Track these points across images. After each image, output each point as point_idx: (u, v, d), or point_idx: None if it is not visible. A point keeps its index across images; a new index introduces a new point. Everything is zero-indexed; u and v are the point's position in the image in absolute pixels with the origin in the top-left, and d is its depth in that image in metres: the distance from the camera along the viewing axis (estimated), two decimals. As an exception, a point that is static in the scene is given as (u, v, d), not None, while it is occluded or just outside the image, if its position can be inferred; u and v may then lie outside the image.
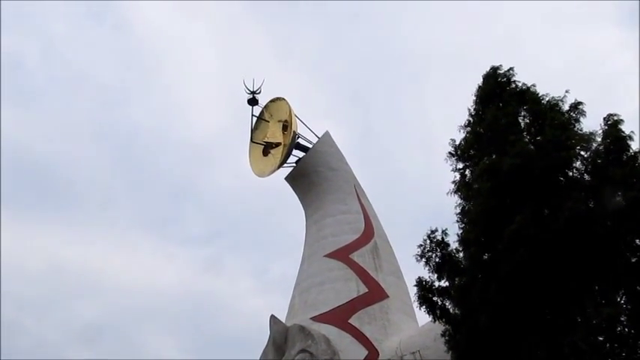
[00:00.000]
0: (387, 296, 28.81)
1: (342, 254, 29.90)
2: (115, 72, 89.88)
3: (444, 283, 23.67)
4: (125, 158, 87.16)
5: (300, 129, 33.67)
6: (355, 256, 29.78)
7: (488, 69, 21.58)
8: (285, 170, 33.65)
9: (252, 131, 34.31)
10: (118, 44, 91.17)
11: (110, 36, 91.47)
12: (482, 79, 21.76)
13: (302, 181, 32.97)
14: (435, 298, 22.03)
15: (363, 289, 28.76)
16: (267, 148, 33.41)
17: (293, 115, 32.87)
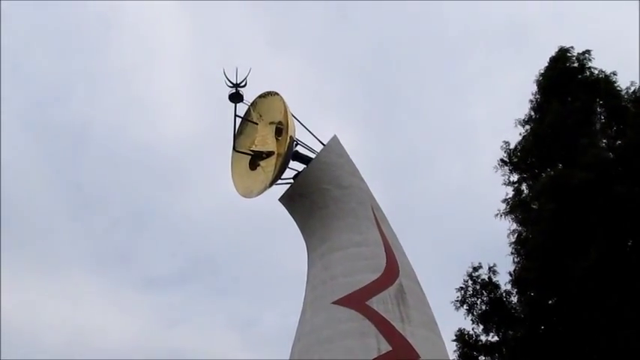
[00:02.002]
0: (418, 356, 29.03)
1: (357, 300, 30.13)
2: (51, 56, 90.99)
3: (492, 338, 23.77)
4: (65, 171, 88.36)
5: (300, 133, 34.09)
6: (374, 303, 30.03)
7: (555, 50, 21.76)
8: (280, 188, 34.08)
9: (236, 137, 34.85)
10: (55, 19, 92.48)
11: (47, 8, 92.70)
12: (547, 63, 22.06)
13: (302, 202, 33.43)
14: (481, 358, 22.39)
15: (386, 347, 28.93)
16: (256, 158, 33.82)
17: (289, 116, 33.38)
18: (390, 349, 28.85)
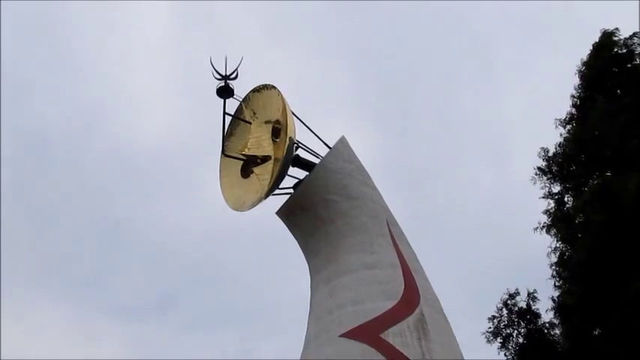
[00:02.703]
0: None
1: (370, 333, 29.39)
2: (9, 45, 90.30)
3: None
4: (23, 180, 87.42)
5: (301, 134, 33.56)
6: (390, 336, 29.29)
7: (599, 36, 21.23)
8: (278, 200, 33.54)
9: (225, 139, 34.36)
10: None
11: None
12: (590, 51, 21.47)
13: (304, 216, 32.85)
14: None
15: None
16: (249, 164, 33.40)
17: (289, 113, 32.79)
18: None
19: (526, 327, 43.95)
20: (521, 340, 43.56)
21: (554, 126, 45.68)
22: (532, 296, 44.68)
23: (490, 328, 44.28)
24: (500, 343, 43.74)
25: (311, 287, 32.75)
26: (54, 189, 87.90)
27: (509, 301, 45.17)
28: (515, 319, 44.24)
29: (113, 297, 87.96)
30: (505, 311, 44.87)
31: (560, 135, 45.70)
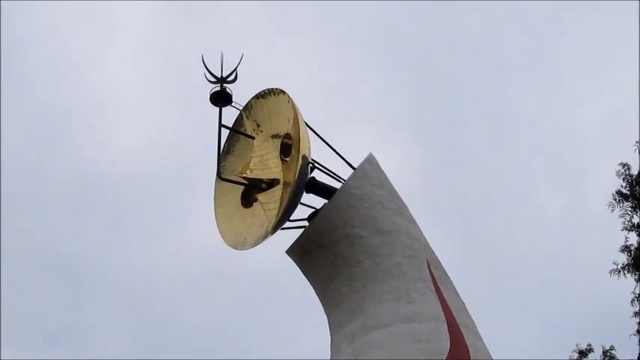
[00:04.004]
0: None
1: None
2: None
3: None
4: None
5: (318, 151, 33.44)
6: None
7: None
8: (289, 235, 33.32)
9: (221, 157, 34.34)
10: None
11: None
12: None
13: (321, 256, 32.52)
14: None
15: None
16: (252, 190, 33.27)
17: (302, 125, 32.56)
18: None
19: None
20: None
21: (636, 150, 45.43)
22: (609, 355, 44.62)
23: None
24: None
25: (331, 347, 32.25)
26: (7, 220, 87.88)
27: (580, 360, 45.12)
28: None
29: (83, 354, 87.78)
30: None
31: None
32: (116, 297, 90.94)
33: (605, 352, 44.72)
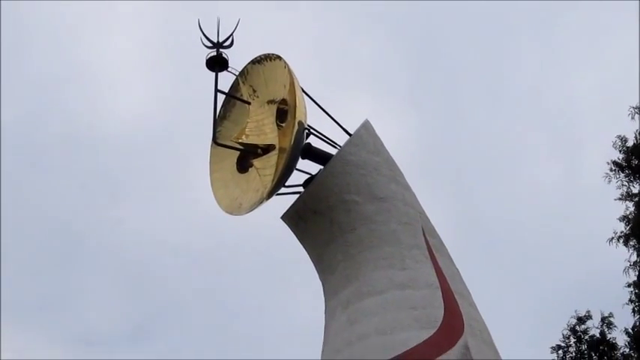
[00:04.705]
0: None
1: None
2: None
3: None
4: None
5: (314, 117, 33.47)
6: None
7: None
8: (284, 200, 33.39)
9: (217, 123, 34.27)
10: None
11: None
12: None
13: (317, 223, 32.58)
14: None
15: None
16: (248, 156, 33.32)
17: (298, 91, 32.54)
18: None
19: (599, 359, 43.92)
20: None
21: (630, 116, 45.48)
22: (607, 321, 44.71)
23: (555, 359, 44.34)
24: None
25: (326, 312, 32.36)
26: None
27: (578, 327, 45.16)
28: (585, 351, 44.22)
29: (73, 325, 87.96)
30: (573, 339, 44.94)
31: (640, 121, 45.40)
32: (110, 263, 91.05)
33: (603, 319, 44.79)
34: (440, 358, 29.00)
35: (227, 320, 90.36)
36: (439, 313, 30.05)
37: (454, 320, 30.21)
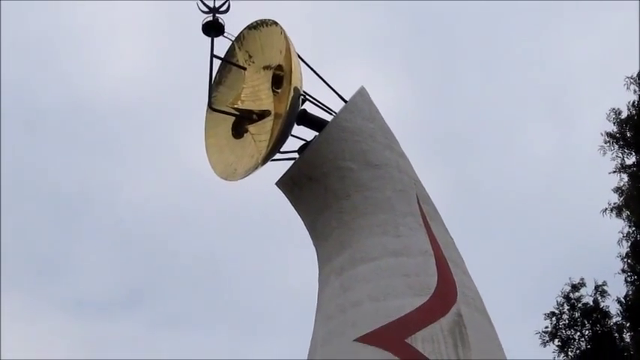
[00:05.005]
0: None
1: (393, 337, 29.06)
2: None
3: None
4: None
5: (310, 84, 33.37)
6: (419, 342, 28.84)
7: None
8: (279, 166, 33.51)
9: (213, 88, 34.29)
10: None
11: None
12: None
13: (311, 189, 32.67)
14: None
15: None
16: (243, 121, 33.25)
17: (294, 57, 32.48)
18: None
19: (591, 329, 43.99)
20: (584, 344, 43.62)
21: (625, 86, 45.39)
22: (601, 289, 44.81)
23: (547, 327, 44.41)
24: (558, 346, 43.92)
25: (319, 279, 32.46)
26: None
27: (571, 295, 45.28)
28: (578, 319, 44.33)
29: (70, 289, 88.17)
30: (567, 307, 45.05)
31: (635, 92, 45.33)
32: (106, 227, 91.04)
33: (597, 287, 44.85)
34: (433, 325, 29.07)
35: (223, 285, 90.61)
36: (432, 280, 30.20)
37: (447, 288, 30.33)
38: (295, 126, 32.75)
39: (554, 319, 45.03)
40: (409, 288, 29.86)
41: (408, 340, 28.63)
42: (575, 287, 45.46)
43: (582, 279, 45.44)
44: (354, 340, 29.08)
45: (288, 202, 33.63)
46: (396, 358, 28.46)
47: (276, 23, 33.46)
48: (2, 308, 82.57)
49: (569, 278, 45.42)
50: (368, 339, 29.00)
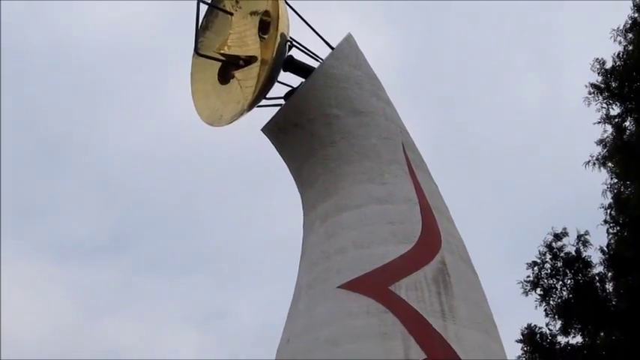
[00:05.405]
0: None
1: (376, 284, 29.19)
2: None
3: (575, 340, 24.43)
4: None
5: (296, 30, 33.24)
6: (402, 289, 28.91)
7: None
8: (265, 112, 33.45)
9: (199, 33, 34.07)
10: None
11: None
12: None
13: (297, 135, 32.64)
14: None
15: (417, 355, 27.76)
16: (229, 67, 33.04)
17: (281, 3, 32.32)
18: (425, 357, 27.67)
19: (573, 278, 44.19)
20: (566, 294, 43.81)
21: (612, 39, 45.29)
22: (583, 239, 44.98)
23: (529, 276, 44.59)
24: (540, 295, 44.08)
25: (304, 225, 32.55)
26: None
27: (554, 244, 45.45)
28: (560, 268, 44.52)
29: (53, 234, 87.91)
30: (549, 256, 45.21)
31: (620, 43, 45.22)
32: (90, 172, 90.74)
33: (579, 237, 45.01)
34: (416, 272, 29.19)
35: (206, 231, 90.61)
36: (417, 228, 30.24)
37: (431, 236, 30.39)
38: (282, 72, 32.56)
39: (535, 268, 45.19)
40: (393, 235, 29.93)
41: (392, 288, 28.70)
42: (558, 237, 45.62)
43: (565, 228, 45.61)
44: (338, 287, 29.17)
45: (274, 148, 33.66)
46: (380, 305, 28.48)
47: None
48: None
49: (552, 228, 45.59)
50: (352, 286, 29.07)
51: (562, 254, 44.98)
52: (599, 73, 44.62)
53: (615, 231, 42.70)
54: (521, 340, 42.93)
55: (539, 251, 45.39)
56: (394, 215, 30.45)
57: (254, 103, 31.90)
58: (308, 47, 33.28)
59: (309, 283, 30.49)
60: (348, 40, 33.17)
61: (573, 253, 44.91)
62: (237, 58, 32.60)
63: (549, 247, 45.36)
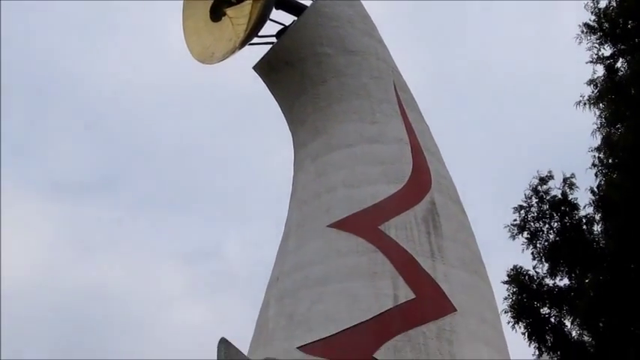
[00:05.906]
0: (454, 309, 28.13)
1: (366, 223, 29.28)
2: None
3: (562, 281, 24.55)
4: None
5: None
6: (392, 229, 29.07)
7: None
8: (257, 51, 33.30)
9: None
10: None
11: None
12: None
13: (288, 74, 32.48)
14: (544, 311, 23.17)
15: (406, 294, 28.05)
16: (221, 4, 32.80)
17: None
18: (413, 297, 27.96)
19: (560, 221, 44.06)
20: (552, 237, 43.69)
21: None
22: (569, 182, 44.77)
23: (515, 220, 44.44)
24: (527, 239, 43.91)
25: (294, 164, 32.59)
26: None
27: (540, 188, 45.29)
28: (547, 211, 44.34)
29: (46, 172, 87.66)
30: (535, 200, 45.03)
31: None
32: (80, 110, 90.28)
33: (565, 180, 44.75)
34: (406, 212, 29.32)
35: (197, 170, 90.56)
36: (407, 168, 30.32)
37: (422, 176, 30.47)
38: (274, 10, 32.30)
39: (522, 212, 44.99)
40: (384, 175, 30.04)
41: (382, 227, 28.88)
42: (543, 180, 45.34)
43: (550, 171, 45.33)
44: (328, 226, 29.32)
45: (266, 87, 33.52)
46: (369, 244, 28.66)
47: None
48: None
49: (537, 171, 45.34)
50: (341, 225, 29.20)
51: (548, 197, 44.74)
52: (592, 12, 44.17)
53: (604, 173, 42.46)
54: (507, 281, 42.85)
55: (525, 195, 45.18)
56: (385, 155, 30.47)
57: (246, 41, 31.68)
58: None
59: (299, 221, 30.57)
60: (341, -23, 32.76)
61: (560, 196, 44.67)
62: (228, -5, 32.35)
63: (535, 190, 45.05)
